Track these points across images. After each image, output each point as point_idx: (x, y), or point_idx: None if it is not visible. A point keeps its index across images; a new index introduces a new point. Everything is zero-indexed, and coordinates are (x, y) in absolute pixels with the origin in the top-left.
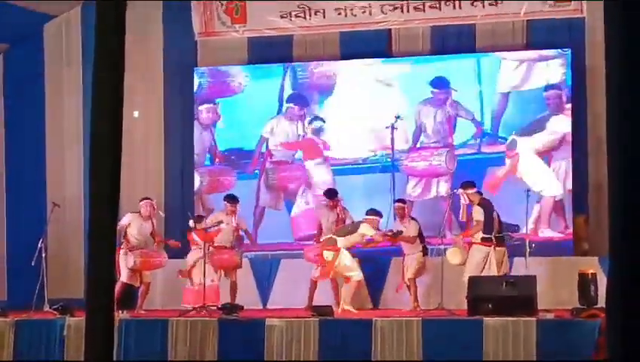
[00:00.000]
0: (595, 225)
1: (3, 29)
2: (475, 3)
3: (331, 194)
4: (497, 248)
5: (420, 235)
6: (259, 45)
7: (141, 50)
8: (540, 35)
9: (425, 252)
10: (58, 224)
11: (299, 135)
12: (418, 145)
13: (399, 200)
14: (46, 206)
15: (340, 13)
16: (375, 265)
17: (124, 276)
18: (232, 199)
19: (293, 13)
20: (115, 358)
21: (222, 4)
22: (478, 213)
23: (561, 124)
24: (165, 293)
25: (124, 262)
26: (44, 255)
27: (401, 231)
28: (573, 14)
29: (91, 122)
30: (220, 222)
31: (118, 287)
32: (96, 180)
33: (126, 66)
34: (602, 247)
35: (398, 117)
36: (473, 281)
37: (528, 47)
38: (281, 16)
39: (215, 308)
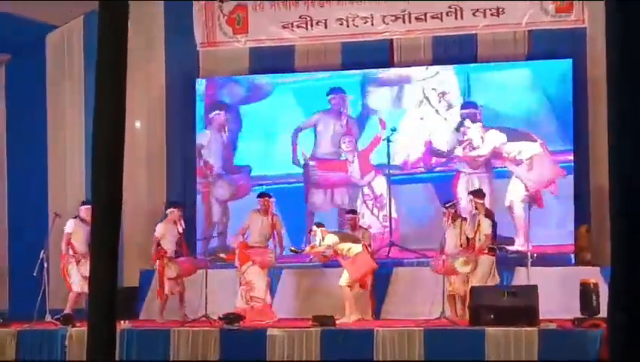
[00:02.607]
0: (597, 234)
1: (5, 40)
2: (476, 13)
3: (263, 194)
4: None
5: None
6: (261, 55)
7: (143, 60)
8: (541, 46)
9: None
10: (60, 234)
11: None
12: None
13: (350, 211)
14: (48, 216)
15: (341, 24)
16: (377, 275)
17: (76, 285)
18: (174, 205)
19: (294, 24)
20: None
21: (224, 15)
22: (487, 226)
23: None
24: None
25: (76, 271)
26: (45, 265)
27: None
28: (575, 24)
29: (93, 131)
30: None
31: (73, 297)
32: (98, 190)
33: (128, 76)
34: (604, 257)
35: (393, 129)
36: (475, 291)
37: (530, 57)
38: (283, 27)
39: (216, 317)
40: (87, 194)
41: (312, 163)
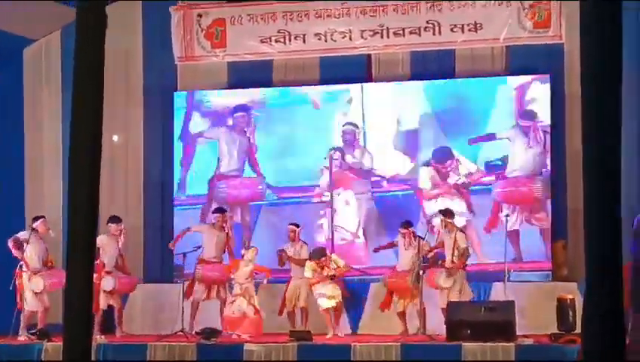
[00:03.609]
0: (574, 250)
1: None
2: (454, 29)
3: (219, 210)
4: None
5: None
6: (239, 70)
7: (121, 74)
8: (519, 61)
9: None
10: None
11: None
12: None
13: (293, 224)
14: (24, 230)
15: (320, 39)
16: (354, 290)
17: (32, 304)
18: (115, 219)
19: (273, 38)
20: None
21: (202, 29)
22: (463, 241)
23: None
24: (143, 317)
25: (29, 287)
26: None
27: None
28: (553, 40)
29: (70, 145)
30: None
31: (27, 316)
32: (75, 204)
33: (105, 90)
34: (581, 273)
35: (332, 149)
36: (452, 306)
37: (508, 72)
38: (261, 41)
39: (194, 332)
40: (64, 208)
41: (218, 182)
